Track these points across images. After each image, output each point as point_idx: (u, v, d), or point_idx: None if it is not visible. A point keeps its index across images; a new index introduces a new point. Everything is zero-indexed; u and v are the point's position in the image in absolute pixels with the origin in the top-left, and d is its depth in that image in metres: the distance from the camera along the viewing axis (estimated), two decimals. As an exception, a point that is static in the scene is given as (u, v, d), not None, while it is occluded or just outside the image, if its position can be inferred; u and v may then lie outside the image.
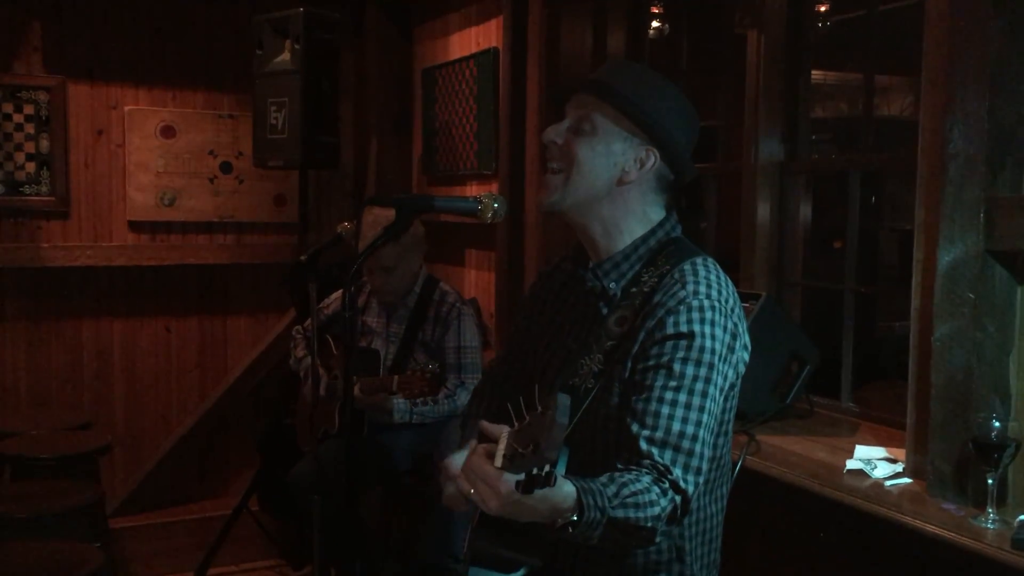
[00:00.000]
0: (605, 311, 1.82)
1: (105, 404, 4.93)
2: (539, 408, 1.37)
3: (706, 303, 1.71)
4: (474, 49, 4.36)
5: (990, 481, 2.03)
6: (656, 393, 1.67)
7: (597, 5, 3.83)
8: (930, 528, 2.06)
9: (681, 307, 1.70)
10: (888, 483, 2.33)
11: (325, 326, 3.78)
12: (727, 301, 1.75)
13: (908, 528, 2.10)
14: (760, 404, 2.81)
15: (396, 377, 3.23)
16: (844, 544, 2.35)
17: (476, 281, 4.46)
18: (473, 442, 1.90)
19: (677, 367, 1.67)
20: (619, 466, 1.64)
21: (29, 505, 3.32)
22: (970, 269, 2.11)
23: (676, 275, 1.75)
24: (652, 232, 1.84)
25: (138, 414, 5.01)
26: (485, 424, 1.58)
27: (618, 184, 1.80)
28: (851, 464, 2.44)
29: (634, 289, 1.79)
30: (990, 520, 2.02)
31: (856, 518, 2.24)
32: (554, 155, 1.83)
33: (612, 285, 1.83)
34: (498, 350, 3.69)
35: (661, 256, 1.81)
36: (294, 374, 3.86)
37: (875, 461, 2.43)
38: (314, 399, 3.41)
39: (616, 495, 1.53)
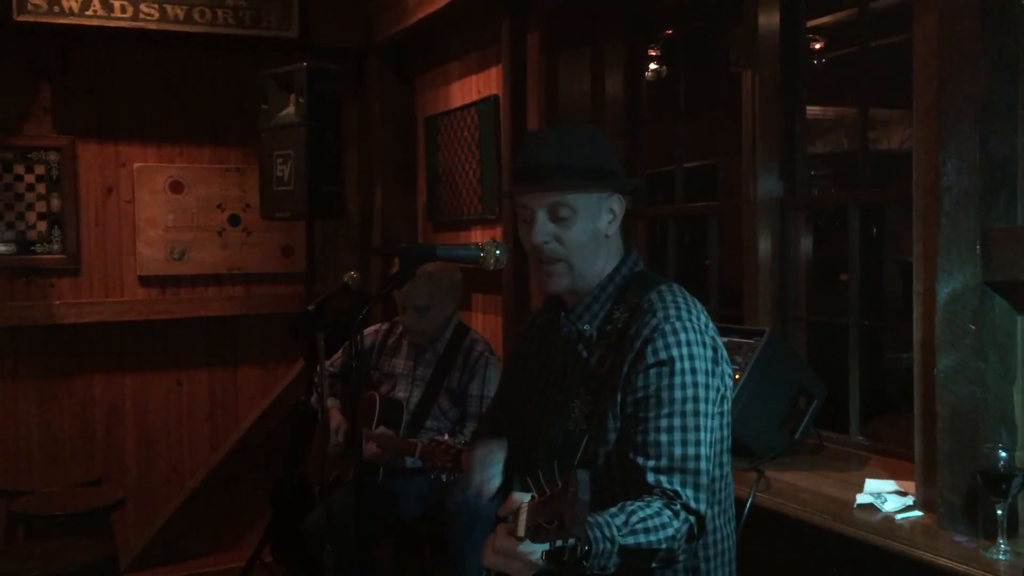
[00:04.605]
0: (585, 353, 1.88)
1: (117, 459, 4.95)
2: (559, 484, 1.44)
3: (678, 325, 1.78)
4: (475, 97, 4.43)
5: (1000, 512, 2.02)
6: (652, 423, 1.74)
7: (594, 50, 3.89)
8: (942, 561, 2.04)
9: (656, 334, 1.77)
10: (899, 517, 2.32)
11: (348, 366, 3.79)
12: (699, 319, 1.82)
13: (920, 562, 2.08)
14: (769, 440, 2.80)
15: (420, 444, 3.14)
16: (857, 580, 2.33)
17: (483, 325, 4.47)
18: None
19: (665, 394, 1.74)
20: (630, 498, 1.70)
21: (43, 563, 3.33)
22: (970, 300, 2.12)
23: (645, 305, 1.82)
24: (617, 269, 1.92)
25: (150, 468, 5.03)
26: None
27: (604, 239, 1.90)
28: (861, 499, 2.43)
29: (608, 327, 1.86)
30: (1001, 551, 2.00)
31: (868, 553, 2.22)
32: (550, 255, 1.85)
33: (587, 327, 1.90)
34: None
35: (629, 291, 1.88)
36: (309, 419, 3.85)
37: (885, 495, 2.41)
38: (324, 445, 3.41)
39: (625, 523, 1.60)
